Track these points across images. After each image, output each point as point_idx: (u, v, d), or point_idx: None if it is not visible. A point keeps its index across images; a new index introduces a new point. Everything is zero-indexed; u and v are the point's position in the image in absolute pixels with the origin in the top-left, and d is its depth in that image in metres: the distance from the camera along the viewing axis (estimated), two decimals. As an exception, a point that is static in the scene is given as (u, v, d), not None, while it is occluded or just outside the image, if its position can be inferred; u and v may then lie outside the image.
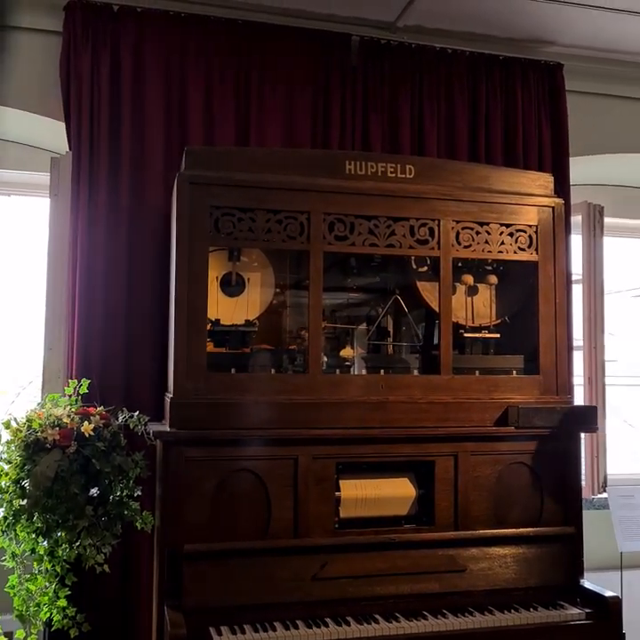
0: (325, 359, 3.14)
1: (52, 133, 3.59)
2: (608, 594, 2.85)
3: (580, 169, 4.31)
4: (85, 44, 3.41)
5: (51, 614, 2.77)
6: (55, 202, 3.44)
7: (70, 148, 3.39)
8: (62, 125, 3.43)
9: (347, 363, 3.20)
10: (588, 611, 2.83)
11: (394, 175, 3.06)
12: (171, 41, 3.52)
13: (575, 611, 2.83)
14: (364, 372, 3.21)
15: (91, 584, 3.17)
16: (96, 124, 3.40)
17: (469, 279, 3.28)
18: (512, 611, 2.79)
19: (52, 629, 2.81)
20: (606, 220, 4.36)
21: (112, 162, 3.41)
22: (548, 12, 3.76)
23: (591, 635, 2.80)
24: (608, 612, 2.81)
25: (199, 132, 3.51)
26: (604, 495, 4.05)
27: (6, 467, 2.79)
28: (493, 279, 3.30)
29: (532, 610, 2.81)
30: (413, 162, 3.13)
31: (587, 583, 2.96)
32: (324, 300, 3.27)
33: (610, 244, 4.57)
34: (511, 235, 3.15)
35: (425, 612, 2.73)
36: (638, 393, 5.03)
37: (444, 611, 2.75)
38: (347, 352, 3.22)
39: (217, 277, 3.08)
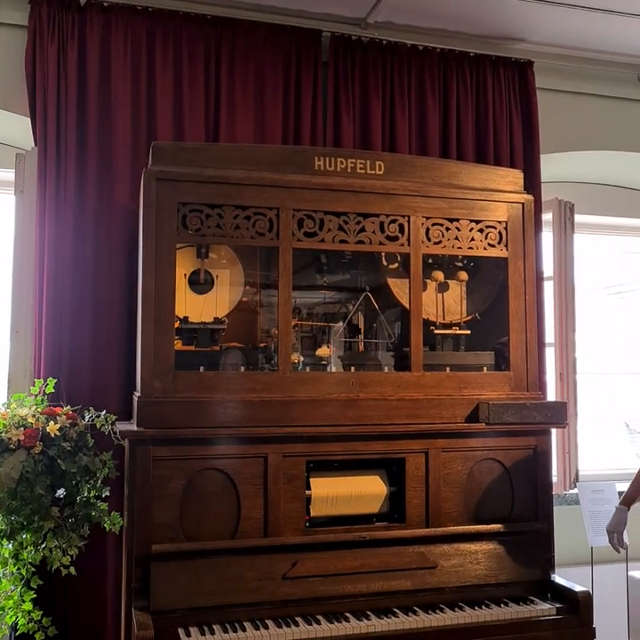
0: (302, 359, 3.12)
1: (17, 129, 3.53)
2: (578, 589, 2.86)
3: (551, 166, 4.33)
4: (51, 38, 3.36)
5: (16, 618, 2.72)
6: (21, 199, 3.39)
7: (36, 144, 3.34)
8: (27, 121, 3.38)
9: (323, 362, 3.18)
10: (558, 606, 2.84)
11: (363, 171, 3.05)
12: (138, 36, 3.48)
13: (546, 606, 2.83)
14: (334, 369, 3.19)
15: (59, 587, 3.13)
16: (62, 120, 3.35)
17: (440, 276, 3.28)
18: (483, 607, 2.79)
19: (18, 634, 2.77)
20: (577, 217, 4.38)
21: (79, 158, 3.36)
22: (517, 9, 3.77)
23: (562, 630, 2.80)
24: (579, 607, 2.81)
25: (168, 127, 3.47)
26: (576, 491, 4.07)
27: (-31, 468, 2.73)
28: (464, 276, 3.31)
29: (503, 606, 2.81)
30: (383, 158, 3.12)
31: (557, 578, 2.97)
32: (300, 299, 3.28)
33: (581, 242, 4.60)
34: (481, 231, 3.16)
35: (396, 610, 2.72)
36: (610, 390, 5.08)
37: (415, 608, 2.74)
38: (323, 351, 3.20)
39: (185, 274, 3.05)
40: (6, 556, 2.72)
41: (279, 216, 2.91)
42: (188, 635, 2.48)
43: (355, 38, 3.81)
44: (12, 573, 2.74)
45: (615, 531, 3.17)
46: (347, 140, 3.70)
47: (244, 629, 2.53)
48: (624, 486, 3.37)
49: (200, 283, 3.07)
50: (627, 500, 3.20)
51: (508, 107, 4.04)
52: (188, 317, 3.01)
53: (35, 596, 2.76)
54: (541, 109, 4.09)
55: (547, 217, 4.27)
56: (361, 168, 3.05)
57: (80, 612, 3.18)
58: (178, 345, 2.92)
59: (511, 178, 3.27)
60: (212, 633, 2.50)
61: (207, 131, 3.54)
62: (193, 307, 3.04)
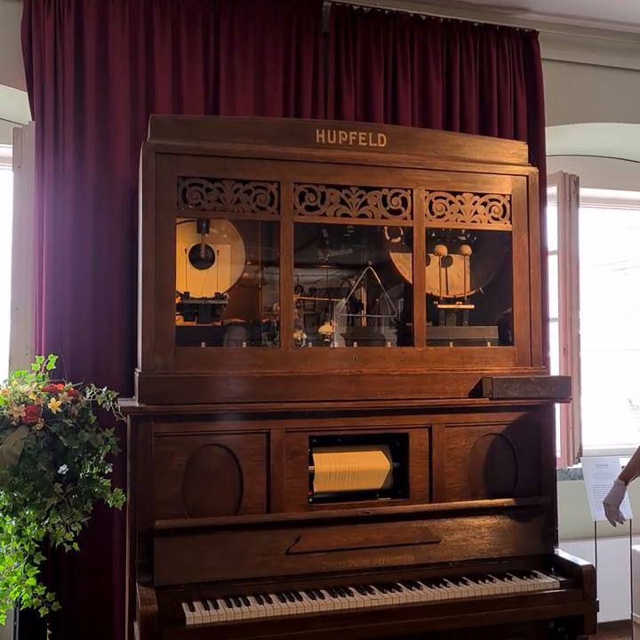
0: (305, 336, 3.10)
1: (15, 103, 3.49)
2: (582, 563, 2.85)
3: (556, 139, 4.27)
4: (47, 10, 3.30)
5: (20, 594, 2.73)
6: (19, 174, 3.34)
7: (33, 118, 3.30)
8: (25, 95, 3.33)
9: (326, 339, 3.15)
10: (562, 580, 2.83)
11: (365, 144, 3.00)
12: (136, 7, 3.41)
13: (549, 580, 2.83)
14: (336, 345, 3.17)
15: (64, 563, 3.14)
16: (60, 93, 3.30)
17: (443, 250, 3.24)
18: (486, 581, 2.79)
19: (22, 609, 2.78)
20: (582, 191, 4.33)
21: (77, 131, 3.32)
22: (522, -23, 3.70)
23: (565, 603, 2.80)
24: (582, 580, 2.81)
25: (166, 100, 3.42)
26: (579, 465, 4.07)
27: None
28: (467, 250, 3.27)
29: (506, 579, 2.80)
30: (385, 130, 3.07)
31: (561, 552, 2.97)
32: (302, 276, 3.24)
33: (585, 216, 4.55)
34: (485, 204, 3.11)
35: (399, 584, 2.72)
36: (613, 366, 5.06)
37: (419, 582, 2.74)
38: (326, 329, 3.17)
39: (186, 250, 3.01)
40: (9, 532, 2.73)
41: (280, 190, 2.87)
42: (192, 609, 2.49)
43: (356, 8, 3.74)
44: (16, 549, 2.74)
45: (612, 504, 3.20)
46: (348, 112, 3.65)
47: (247, 604, 2.53)
48: (627, 462, 3.36)
49: (201, 258, 3.04)
50: (625, 475, 3.22)
51: (513, 78, 3.97)
52: (188, 293, 2.98)
53: (38, 571, 2.77)
54: (546, 81, 4.02)
55: (551, 191, 4.22)
56: (363, 141, 3.00)
57: (87, 587, 3.20)
58: (179, 321, 2.89)
59: (515, 150, 3.22)
60: (216, 607, 2.50)
61: (206, 103, 3.49)
62: (194, 282, 3.01)
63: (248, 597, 2.58)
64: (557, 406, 3.25)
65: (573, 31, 4.18)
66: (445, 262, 3.29)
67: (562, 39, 4.16)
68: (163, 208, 2.76)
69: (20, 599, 2.74)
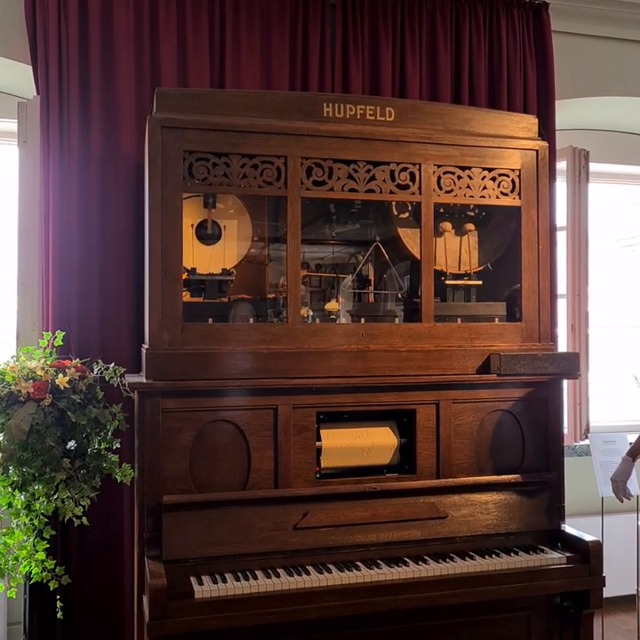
0: (311, 313, 3.09)
1: (18, 77, 3.46)
2: (588, 538, 2.86)
3: (566, 112, 4.22)
4: (51, -19, 3.26)
5: (30, 568, 2.75)
6: (24, 149, 3.32)
7: (38, 93, 3.27)
8: (29, 68, 3.30)
9: (332, 316, 3.14)
10: (568, 555, 2.84)
11: (373, 118, 2.97)
12: (140, -23, 3.37)
13: (556, 555, 2.84)
14: (343, 321, 3.16)
15: (74, 538, 3.17)
16: (65, 66, 3.27)
17: (451, 226, 3.21)
18: (493, 556, 2.80)
19: (31, 582, 2.80)
20: (592, 165, 4.28)
21: (82, 105, 3.29)
22: (533, -54, 3.62)
23: (572, 578, 2.81)
24: (588, 555, 2.82)
25: (172, 73, 3.39)
26: (586, 442, 4.06)
27: (-20, 421, 2.74)
28: (475, 225, 3.23)
29: (512, 555, 2.81)
30: (393, 104, 3.03)
31: (568, 528, 2.98)
32: (309, 253, 3.22)
33: (596, 193, 4.50)
34: (494, 179, 3.08)
35: (406, 559, 2.74)
36: (619, 343, 5.04)
37: (426, 557, 2.76)
38: (332, 305, 3.16)
39: (192, 225, 3.00)
40: (19, 506, 2.74)
41: (287, 164, 2.84)
42: (201, 583, 2.51)
43: (364, -21, 3.68)
44: (25, 524, 2.76)
45: (619, 480, 3.22)
46: (355, 85, 3.61)
47: (255, 578, 2.55)
48: (634, 438, 3.36)
49: (207, 233, 3.02)
50: (633, 452, 3.24)
51: (523, 50, 3.91)
52: (195, 269, 2.97)
53: (47, 545, 2.79)
54: (557, 53, 3.96)
55: (560, 165, 4.18)
56: (371, 114, 2.97)
57: (97, 561, 3.23)
58: (186, 296, 2.89)
59: (525, 124, 3.18)
60: (225, 581, 2.52)
61: (212, 76, 3.45)
62: (200, 258, 2.99)
63: (256, 571, 2.59)
64: (565, 383, 3.24)
65: (584, 2, 4.10)
66: (453, 238, 3.26)
67: (573, 11, 4.10)
68: (169, 183, 2.73)
69: (30, 573, 2.76)
